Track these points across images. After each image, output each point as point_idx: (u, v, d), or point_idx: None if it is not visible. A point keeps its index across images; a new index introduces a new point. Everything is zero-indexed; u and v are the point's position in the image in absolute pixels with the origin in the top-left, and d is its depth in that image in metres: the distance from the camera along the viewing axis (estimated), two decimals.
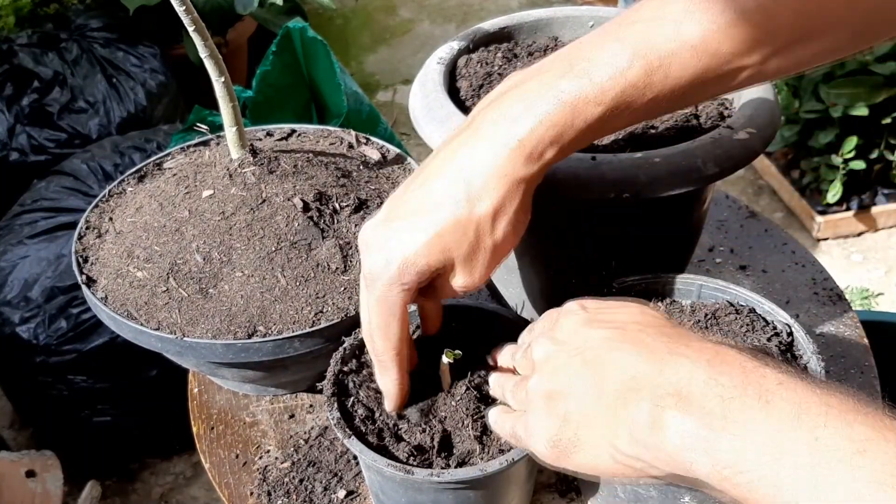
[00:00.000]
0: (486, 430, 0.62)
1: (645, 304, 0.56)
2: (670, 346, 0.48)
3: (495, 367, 0.66)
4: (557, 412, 0.50)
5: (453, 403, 0.63)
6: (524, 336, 0.62)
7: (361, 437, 0.60)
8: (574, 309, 0.56)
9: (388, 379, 0.62)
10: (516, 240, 0.60)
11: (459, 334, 0.69)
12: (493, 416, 0.60)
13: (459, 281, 0.59)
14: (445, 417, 0.63)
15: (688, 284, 0.72)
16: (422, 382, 0.65)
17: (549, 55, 0.80)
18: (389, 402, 0.63)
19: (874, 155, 2.15)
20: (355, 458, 0.76)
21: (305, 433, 0.80)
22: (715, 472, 0.42)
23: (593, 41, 0.57)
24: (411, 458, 0.60)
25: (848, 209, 2.24)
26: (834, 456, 0.38)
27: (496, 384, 0.62)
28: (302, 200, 0.78)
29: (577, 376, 0.50)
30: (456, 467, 0.60)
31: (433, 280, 0.59)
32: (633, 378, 0.47)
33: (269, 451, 0.80)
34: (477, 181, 0.56)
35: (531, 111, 0.56)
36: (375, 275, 0.58)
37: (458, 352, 0.62)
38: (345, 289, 0.75)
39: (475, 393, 0.63)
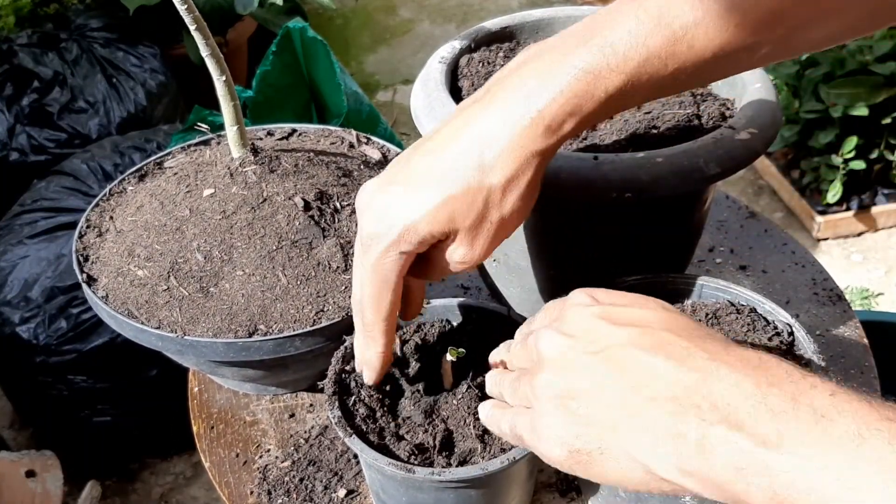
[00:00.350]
0: (487, 428, 0.62)
1: (662, 302, 0.51)
2: (709, 351, 0.44)
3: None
4: (577, 415, 0.46)
5: (455, 402, 0.63)
6: (522, 329, 0.59)
7: (362, 436, 0.60)
8: (583, 300, 0.52)
9: (372, 351, 0.60)
10: (523, 217, 0.57)
11: (460, 334, 0.69)
12: (486, 412, 0.56)
13: (459, 253, 0.57)
14: (447, 416, 0.63)
15: (688, 284, 0.72)
16: (423, 381, 0.65)
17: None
18: (370, 375, 0.61)
19: (874, 155, 2.16)
20: (356, 456, 0.76)
21: (306, 432, 0.80)
22: (772, 494, 0.39)
23: (612, 11, 0.56)
24: (412, 456, 0.60)
25: (848, 209, 2.24)
26: None
27: (492, 381, 0.58)
28: (303, 199, 0.78)
29: (600, 377, 0.46)
30: (457, 466, 0.60)
31: (428, 252, 0.57)
32: (671, 388, 0.43)
33: (269, 451, 0.80)
34: (491, 151, 0.54)
35: (551, 81, 0.54)
36: (374, 238, 0.56)
37: (461, 350, 0.62)
38: (346, 287, 0.75)
39: (477, 392, 0.63)
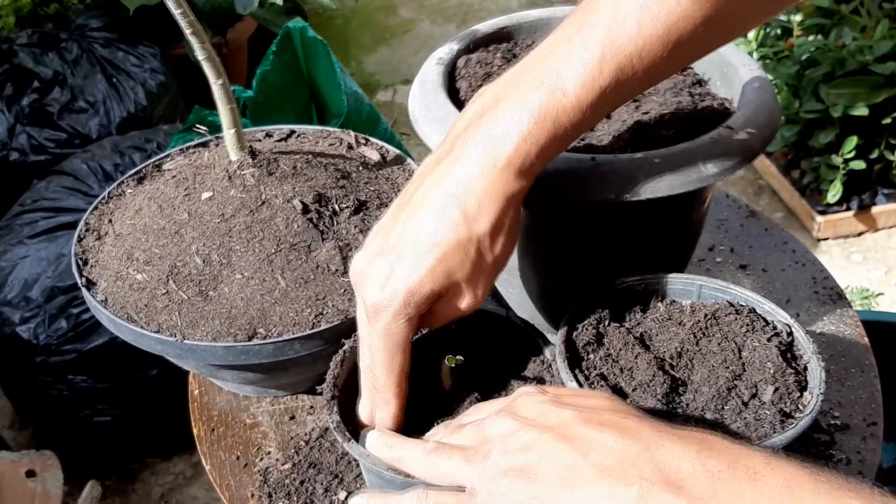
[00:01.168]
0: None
1: (610, 395, 0.54)
2: (656, 427, 0.47)
3: (497, 372, 0.66)
4: (524, 490, 0.47)
5: (454, 405, 0.63)
6: (446, 427, 0.58)
7: (361, 440, 0.60)
8: (532, 391, 0.54)
9: (384, 413, 0.60)
10: (510, 255, 0.60)
11: (459, 335, 0.69)
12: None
13: (464, 302, 0.59)
14: (445, 419, 0.62)
15: (688, 284, 0.72)
16: (422, 385, 0.65)
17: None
18: (383, 423, 0.61)
19: (874, 155, 2.15)
20: (356, 460, 0.76)
21: (306, 434, 0.80)
22: None
23: (558, 49, 0.57)
24: None
25: (848, 209, 2.24)
26: None
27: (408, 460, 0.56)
28: (301, 202, 0.78)
29: (550, 451, 0.48)
30: None
31: (432, 307, 0.59)
32: (620, 457, 0.45)
33: (269, 453, 0.80)
34: (471, 202, 0.56)
35: (513, 129, 0.56)
36: (380, 307, 0.57)
37: (459, 357, 0.63)
38: (345, 290, 0.75)
39: (475, 395, 0.63)
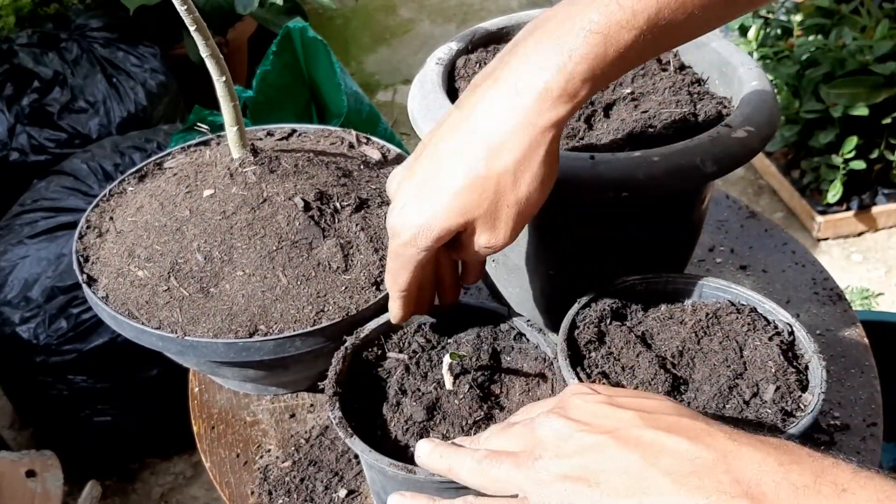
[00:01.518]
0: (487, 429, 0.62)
1: (669, 398, 0.50)
2: (730, 433, 0.43)
3: (498, 368, 0.66)
4: (587, 497, 0.44)
5: (456, 402, 0.63)
6: (496, 427, 0.56)
7: (363, 436, 0.60)
8: (584, 390, 0.51)
9: (391, 305, 0.65)
10: (543, 194, 0.56)
11: (461, 333, 0.69)
12: None
13: (483, 240, 0.57)
14: (448, 416, 0.63)
15: (689, 283, 0.72)
16: (425, 381, 0.65)
17: None
18: (390, 317, 0.66)
19: (874, 155, 2.15)
20: (356, 457, 0.76)
21: (306, 432, 0.81)
22: None
23: None
24: (413, 457, 0.60)
25: (848, 209, 2.24)
26: None
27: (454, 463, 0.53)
28: (303, 200, 0.78)
29: (613, 457, 0.44)
30: None
31: (458, 236, 0.58)
32: (693, 464, 0.42)
33: (269, 451, 0.80)
34: (496, 134, 0.53)
35: (558, 49, 0.52)
36: (394, 231, 0.59)
37: (462, 353, 0.63)
38: (346, 288, 0.75)
39: (478, 392, 0.63)
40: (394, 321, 0.67)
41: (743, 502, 0.40)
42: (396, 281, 0.62)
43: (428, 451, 0.55)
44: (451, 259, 0.64)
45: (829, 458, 0.41)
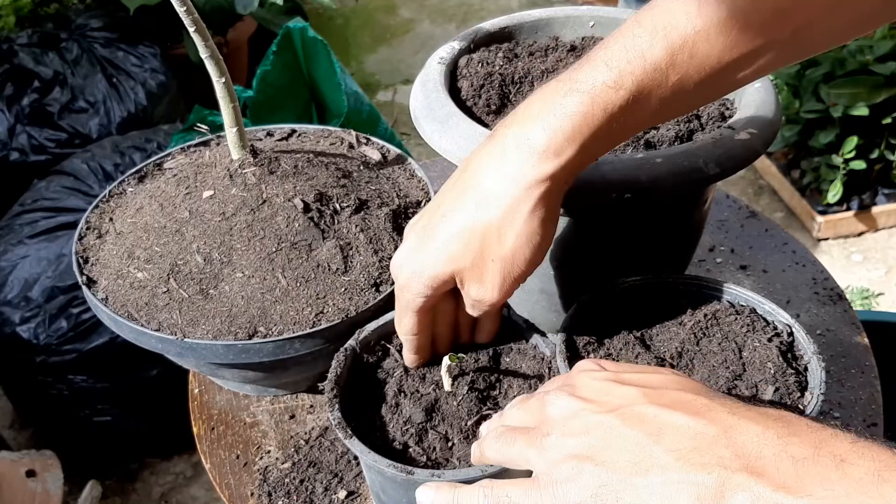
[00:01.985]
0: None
1: (674, 370, 0.51)
2: (731, 408, 0.44)
3: (497, 369, 0.66)
4: (593, 475, 0.44)
5: (455, 403, 0.63)
6: (514, 403, 0.56)
7: (362, 438, 0.60)
8: (592, 367, 0.52)
9: (405, 353, 0.66)
10: (532, 253, 0.57)
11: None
12: (436, 500, 0.53)
13: (472, 292, 0.59)
14: (447, 418, 0.63)
15: (688, 284, 0.72)
16: (424, 382, 0.65)
17: (549, 56, 0.80)
18: (404, 361, 0.67)
19: (874, 155, 2.15)
20: (356, 458, 0.76)
21: (306, 434, 0.80)
22: None
23: (611, 36, 0.55)
24: (413, 457, 0.60)
25: (848, 209, 2.24)
26: None
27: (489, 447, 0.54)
28: (302, 201, 0.78)
29: (617, 436, 0.45)
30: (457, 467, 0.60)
31: (459, 290, 0.60)
32: (694, 440, 0.42)
33: (269, 452, 0.80)
34: (485, 188, 0.55)
35: (547, 107, 0.54)
36: (393, 274, 0.62)
37: (461, 355, 0.63)
38: (345, 289, 0.75)
39: (476, 394, 0.63)
40: (407, 364, 0.66)
41: (743, 476, 0.40)
42: (401, 323, 0.63)
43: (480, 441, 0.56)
44: (467, 314, 0.64)
45: (829, 428, 0.41)
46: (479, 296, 0.59)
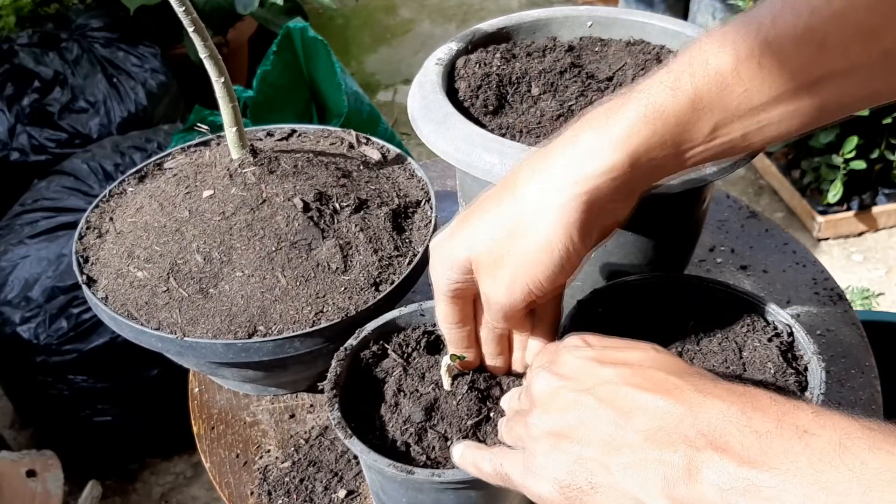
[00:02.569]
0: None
1: (655, 346, 0.52)
2: (698, 386, 0.45)
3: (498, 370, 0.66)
4: (568, 452, 0.47)
5: (454, 403, 0.63)
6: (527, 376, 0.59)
7: (362, 437, 0.60)
8: (576, 343, 0.53)
9: (451, 346, 0.63)
10: (549, 264, 0.53)
11: None
12: (459, 453, 0.57)
13: (483, 285, 0.57)
14: (446, 417, 0.63)
15: (688, 284, 0.72)
16: (424, 381, 0.65)
17: (547, 56, 0.80)
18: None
19: (875, 155, 2.15)
20: (356, 457, 0.76)
21: (306, 433, 0.81)
22: None
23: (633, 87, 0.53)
24: (413, 457, 0.60)
25: (848, 209, 2.24)
26: (884, 479, 0.36)
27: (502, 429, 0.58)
28: (302, 200, 0.78)
29: (591, 415, 0.47)
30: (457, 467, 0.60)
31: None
32: (662, 419, 0.44)
33: (269, 451, 0.80)
34: (522, 182, 0.54)
35: (600, 111, 0.52)
36: (430, 253, 0.60)
37: (461, 354, 0.63)
38: (345, 289, 0.75)
39: (476, 393, 0.63)
40: (451, 348, 0.64)
41: (709, 452, 0.41)
42: (438, 311, 0.62)
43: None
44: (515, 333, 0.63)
45: (791, 401, 0.42)
46: (488, 291, 0.57)
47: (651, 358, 0.49)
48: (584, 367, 0.50)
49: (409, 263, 0.78)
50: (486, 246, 0.55)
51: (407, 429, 0.62)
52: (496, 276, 0.55)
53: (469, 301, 0.61)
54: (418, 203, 0.85)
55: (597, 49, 0.85)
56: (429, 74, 0.80)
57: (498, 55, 0.83)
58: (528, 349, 0.62)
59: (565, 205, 0.52)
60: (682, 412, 0.44)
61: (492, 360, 0.64)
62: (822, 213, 2.23)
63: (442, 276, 0.58)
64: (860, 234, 2.28)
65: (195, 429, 0.83)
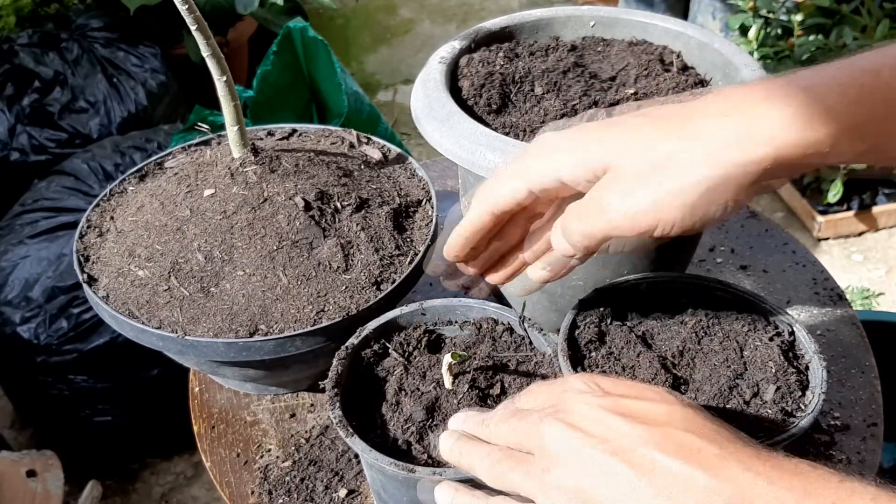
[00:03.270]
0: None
1: (672, 394, 0.47)
2: (742, 460, 0.41)
3: (498, 367, 0.66)
4: None
5: (455, 402, 0.63)
6: (506, 404, 0.53)
7: (363, 436, 0.60)
8: (586, 389, 0.48)
9: (460, 225, 0.57)
10: (691, 212, 0.47)
11: (463, 332, 0.69)
12: (455, 499, 0.52)
13: (604, 200, 0.49)
14: (447, 416, 0.63)
15: (689, 284, 0.72)
16: (425, 380, 0.65)
17: (550, 55, 0.79)
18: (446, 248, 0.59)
19: None
20: (356, 456, 0.76)
21: (306, 432, 0.81)
22: None
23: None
24: (413, 456, 0.60)
25: (848, 209, 2.24)
26: None
27: (459, 448, 0.52)
28: (303, 199, 0.78)
29: (623, 482, 0.42)
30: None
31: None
32: (707, 499, 0.40)
33: (270, 450, 0.80)
34: (696, 122, 0.47)
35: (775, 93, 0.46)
36: (534, 150, 0.53)
37: (462, 353, 0.63)
38: (346, 288, 0.75)
39: (477, 392, 0.63)
40: (446, 253, 0.58)
41: None
42: (472, 215, 0.55)
43: (448, 448, 0.53)
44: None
45: (847, 481, 0.39)
46: (608, 205, 0.49)
47: (678, 415, 0.44)
48: (605, 420, 0.45)
49: (410, 263, 0.78)
50: (638, 158, 0.47)
51: (408, 428, 0.62)
52: (632, 193, 0.48)
53: (505, 223, 0.55)
54: (419, 202, 0.86)
55: (599, 49, 0.85)
56: (432, 73, 0.80)
57: (501, 54, 0.83)
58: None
59: (749, 164, 0.46)
60: (730, 494, 0.40)
61: (499, 277, 0.58)
62: (822, 212, 2.23)
63: (532, 176, 0.51)
64: (860, 233, 2.28)
65: (196, 428, 0.83)
